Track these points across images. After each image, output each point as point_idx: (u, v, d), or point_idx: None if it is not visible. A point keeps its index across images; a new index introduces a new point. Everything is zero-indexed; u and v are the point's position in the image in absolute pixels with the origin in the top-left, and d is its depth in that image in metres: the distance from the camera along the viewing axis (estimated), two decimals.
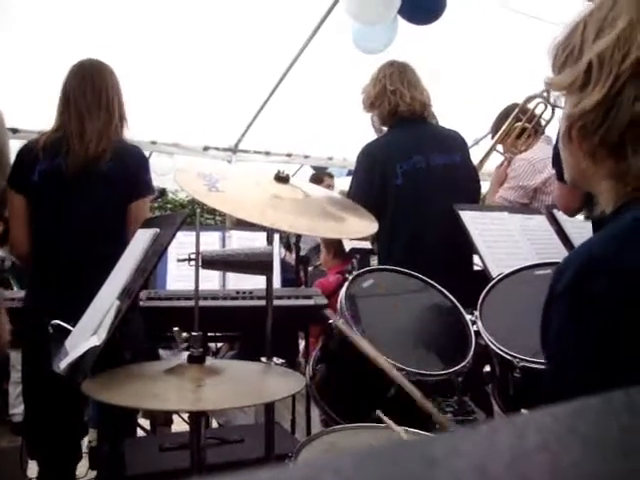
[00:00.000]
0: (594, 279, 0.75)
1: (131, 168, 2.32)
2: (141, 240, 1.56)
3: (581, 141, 0.88)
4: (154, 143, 5.56)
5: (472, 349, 1.78)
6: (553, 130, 3.12)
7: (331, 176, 5.87)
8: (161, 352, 3.30)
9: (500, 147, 3.38)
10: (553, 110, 3.23)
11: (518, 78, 4.52)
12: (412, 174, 2.63)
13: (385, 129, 2.87)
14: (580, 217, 2.30)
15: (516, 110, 3.27)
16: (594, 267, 0.76)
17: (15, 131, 4.46)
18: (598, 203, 0.93)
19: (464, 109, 4.72)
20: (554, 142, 2.25)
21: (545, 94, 3.18)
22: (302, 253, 3.45)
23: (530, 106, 3.27)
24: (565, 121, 0.90)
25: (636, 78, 0.81)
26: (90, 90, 2.32)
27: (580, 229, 2.41)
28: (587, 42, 0.85)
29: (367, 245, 3.04)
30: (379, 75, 2.78)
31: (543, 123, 3.30)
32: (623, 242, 0.78)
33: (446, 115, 3.20)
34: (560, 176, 2.00)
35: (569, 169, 0.98)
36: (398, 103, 2.70)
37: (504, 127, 3.29)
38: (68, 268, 2.23)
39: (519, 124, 3.27)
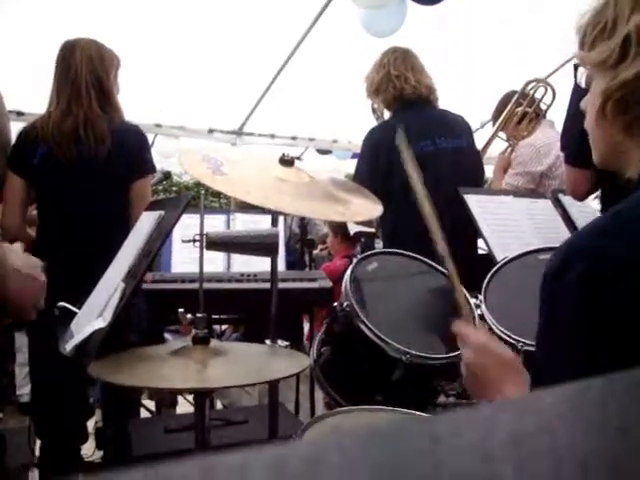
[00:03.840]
0: (573, 264, 0.76)
1: (131, 149, 2.31)
2: (146, 222, 1.56)
3: (616, 115, 0.87)
4: (159, 126, 5.56)
5: None
6: (555, 114, 3.12)
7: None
8: (168, 336, 3.32)
9: (503, 134, 3.38)
10: (554, 93, 3.23)
11: (525, 60, 4.50)
12: (420, 158, 2.62)
13: (386, 116, 2.86)
14: (586, 201, 2.29)
15: (516, 95, 3.26)
16: (591, 247, 0.78)
17: (20, 114, 4.46)
18: (624, 173, 0.92)
19: (471, 91, 4.70)
20: (559, 125, 2.23)
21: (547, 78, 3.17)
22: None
23: (530, 90, 3.26)
24: (599, 97, 0.89)
25: None
26: (65, 72, 2.29)
27: (585, 214, 2.40)
28: (622, 16, 0.84)
29: (371, 229, 3.04)
30: (382, 61, 2.77)
31: (544, 107, 3.28)
32: (605, 230, 0.79)
33: (453, 97, 3.19)
34: (569, 159, 1.99)
35: (600, 147, 0.96)
36: (403, 87, 2.68)
37: (505, 113, 3.28)
38: (71, 250, 2.23)
39: (520, 109, 3.26)
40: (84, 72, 2.27)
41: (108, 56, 2.35)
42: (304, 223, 3.44)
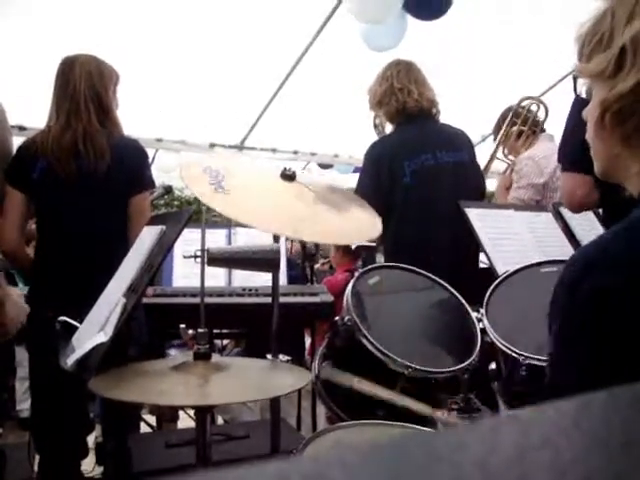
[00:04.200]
0: (596, 274, 0.76)
1: (130, 164, 2.31)
2: (147, 237, 1.56)
3: (614, 126, 0.87)
4: (160, 140, 5.56)
5: (478, 346, 1.78)
6: (553, 128, 3.14)
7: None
8: (173, 351, 3.32)
9: (502, 152, 3.42)
10: (546, 111, 3.27)
11: (526, 74, 4.52)
12: (421, 172, 2.63)
13: (388, 131, 2.87)
14: (587, 214, 2.28)
15: (510, 115, 3.28)
16: (597, 262, 0.77)
17: (22, 128, 4.46)
18: (625, 190, 0.93)
19: (471, 105, 4.71)
20: (558, 138, 2.23)
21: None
22: None
23: (523, 108, 3.29)
24: (598, 107, 0.89)
25: None
26: (64, 87, 2.30)
27: (586, 226, 2.40)
28: (618, 27, 0.84)
29: (373, 243, 3.04)
30: (385, 74, 2.78)
31: (539, 122, 3.32)
32: (631, 237, 0.79)
33: (453, 111, 3.20)
34: (566, 165, 1.98)
35: (600, 158, 0.96)
36: (406, 100, 2.69)
37: (501, 133, 3.32)
38: (70, 266, 2.23)
39: (515, 128, 3.29)
40: (83, 87, 2.27)
41: (107, 72, 2.36)
42: None
